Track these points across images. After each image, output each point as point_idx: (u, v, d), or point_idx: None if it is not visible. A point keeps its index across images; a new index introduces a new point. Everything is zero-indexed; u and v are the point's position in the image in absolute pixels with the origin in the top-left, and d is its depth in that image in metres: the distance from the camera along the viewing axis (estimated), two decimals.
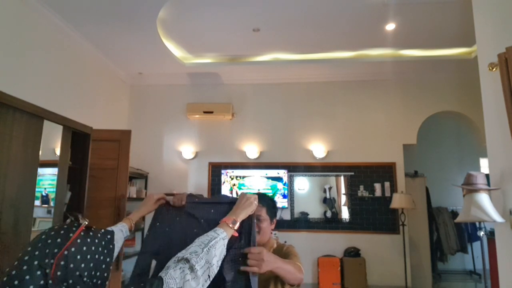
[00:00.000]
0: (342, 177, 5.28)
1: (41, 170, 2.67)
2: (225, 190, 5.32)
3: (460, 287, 5.53)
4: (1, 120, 2.30)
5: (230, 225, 1.14)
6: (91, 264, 0.87)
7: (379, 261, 4.96)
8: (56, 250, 0.83)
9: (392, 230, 5.05)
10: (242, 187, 5.33)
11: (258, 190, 5.25)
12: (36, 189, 2.62)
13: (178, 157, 5.59)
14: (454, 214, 5.69)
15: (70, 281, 0.83)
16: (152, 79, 5.72)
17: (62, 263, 0.83)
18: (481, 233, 2.68)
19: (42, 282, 0.80)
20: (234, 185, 5.35)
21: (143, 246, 1.33)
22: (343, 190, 5.26)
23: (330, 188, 5.26)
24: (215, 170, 5.49)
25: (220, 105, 5.51)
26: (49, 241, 0.85)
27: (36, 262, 0.82)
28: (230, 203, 1.28)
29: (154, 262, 1.29)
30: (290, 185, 5.32)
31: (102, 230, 0.97)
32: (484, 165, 5.89)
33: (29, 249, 0.85)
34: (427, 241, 5.23)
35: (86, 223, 0.92)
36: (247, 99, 5.64)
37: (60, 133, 2.94)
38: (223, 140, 5.58)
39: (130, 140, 4.10)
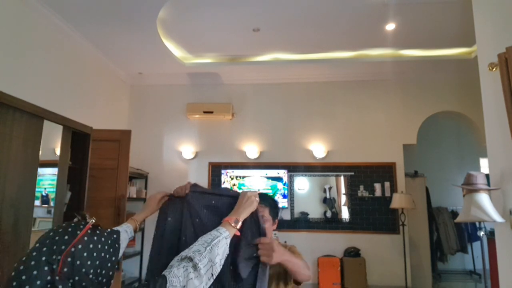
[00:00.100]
0: (342, 177, 5.28)
1: (41, 170, 2.67)
2: None
3: (460, 287, 5.53)
4: (1, 120, 2.30)
5: (233, 224, 1.15)
6: (97, 262, 0.89)
7: (379, 261, 4.96)
8: (63, 247, 0.85)
9: (392, 230, 5.05)
10: (242, 187, 5.33)
11: (258, 190, 5.25)
12: (36, 189, 2.63)
13: (178, 157, 5.59)
14: (454, 214, 5.69)
15: (76, 278, 0.84)
16: (152, 79, 5.72)
17: (69, 259, 0.84)
18: (481, 233, 2.68)
19: (49, 277, 0.82)
20: (234, 185, 5.35)
21: (153, 243, 1.33)
22: (343, 190, 5.26)
23: (330, 188, 5.26)
24: (215, 170, 5.49)
25: (220, 105, 5.52)
26: (57, 238, 0.87)
27: (43, 258, 0.83)
28: (232, 197, 1.29)
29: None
30: (290, 185, 5.32)
31: (109, 230, 0.99)
32: (484, 165, 5.89)
33: (37, 245, 0.86)
34: (427, 241, 5.23)
35: (93, 221, 0.94)
36: (247, 99, 5.64)
37: (60, 133, 2.94)
38: (223, 140, 5.58)
39: (130, 140, 4.10)
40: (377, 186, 5.11)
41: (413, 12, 3.79)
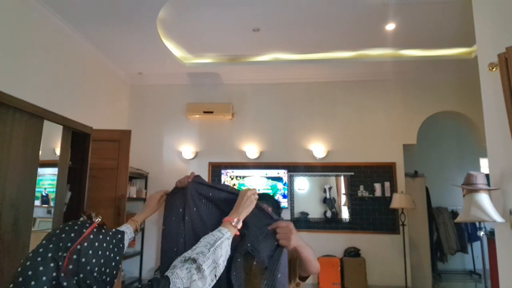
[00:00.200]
0: (342, 177, 5.28)
1: (41, 170, 2.67)
2: None
3: (460, 287, 5.53)
4: (1, 120, 2.30)
5: (233, 224, 1.15)
6: (102, 260, 0.90)
7: (379, 261, 4.96)
8: (69, 244, 0.86)
9: (392, 230, 5.05)
10: (242, 187, 5.33)
11: (258, 190, 5.25)
12: (36, 189, 2.63)
13: (178, 157, 5.59)
14: (454, 214, 5.69)
15: (81, 275, 0.85)
16: (152, 79, 5.72)
17: (74, 257, 0.85)
18: (481, 233, 2.68)
19: (54, 274, 0.83)
20: (234, 185, 5.35)
21: (163, 239, 1.34)
22: (343, 190, 5.26)
23: (330, 188, 5.26)
24: (215, 170, 5.49)
25: (220, 105, 5.52)
26: (63, 235, 0.88)
27: (50, 255, 0.84)
28: (231, 193, 1.30)
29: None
30: (290, 185, 5.32)
31: (114, 229, 1.00)
32: (484, 165, 5.89)
33: (44, 242, 0.88)
34: (427, 241, 5.23)
35: (100, 220, 0.95)
36: (247, 99, 5.64)
37: (60, 133, 2.94)
38: (223, 140, 5.58)
39: (130, 140, 4.10)
40: (377, 186, 5.11)
41: (413, 12, 3.79)
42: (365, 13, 3.83)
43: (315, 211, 5.22)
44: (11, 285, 0.82)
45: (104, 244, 0.92)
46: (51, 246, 0.86)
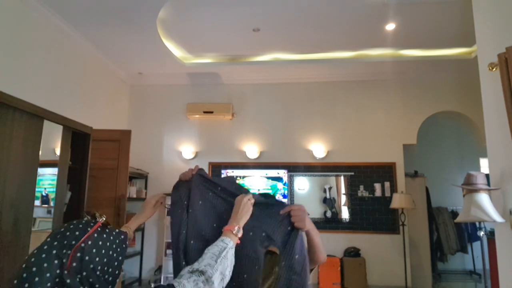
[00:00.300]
0: (342, 177, 5.28)
1: (41, 170, 2.67)
2: None
3: (460, 287, 5.53)
4: (1, 120, 2.30)
5: (234, 232, 1.15)
6: (105, 260, 0.91)
7: (379, 261, 4.96)
8: (73, 242, 0.87)
9: (392, 230, 5.05)
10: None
11: (259, 190, 5.25)
12: (36, 189, 2.63)
13: (178, 157, 5.59)
14: (454, 214, 5.69)
15: (84, 274, 0.86)
16: (152, 79, 5.72)
17: (78, 255, 0.86)
18: (481, 233, 2.68)
19: (58, 271, 0.84)
20: None
21: (171, 231, 1.34)
22: (343, 190, 5.26)
23: (330, 188, 5.26)
24: (215, 170, 5.49)
25: (220, 105, 5.52)
26: (68, 233, 0.89)
27: (54, 252, 0.85)
28: (232, 194, 1.31)
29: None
30: (290, 185, 5.32)
31: (117, 230, 1.01)
32: (484, 165, 5.89)
33: (49, 239, 0.89)
34: (427, 241, 5.23)
35: (104, 219, 0.97)
36: (247, 99, 5.64)
37: (60, 133, 2.94)
38: (223, 140, 5.58)
39: (130, 140, 4.10)
40: (377, 186, 5.12)
41: (413, 12, 3.79)
42: (365, 13, 3.83)
43: (315, 211, 5.22)
44: (15, 281, 0.82)
45: (108, 244, 0.93)
46: (55, 243, 0.87)
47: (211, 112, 5.47)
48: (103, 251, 0.91)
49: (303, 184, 5.33)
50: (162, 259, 5.15)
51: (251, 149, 5.45)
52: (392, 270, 4.90)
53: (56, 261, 0.84)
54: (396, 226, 5.03)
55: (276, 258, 1.31)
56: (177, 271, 1.25)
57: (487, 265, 2.91)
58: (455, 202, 5.77)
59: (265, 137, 5.50)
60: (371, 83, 5.43)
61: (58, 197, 2.91)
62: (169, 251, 5.12)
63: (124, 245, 0.99)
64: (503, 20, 2.42)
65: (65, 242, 0.87)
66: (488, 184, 2.37)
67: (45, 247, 0.86)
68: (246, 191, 1.32)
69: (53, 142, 2.93)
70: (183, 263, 1.25)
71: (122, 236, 1.00)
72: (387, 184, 5.13)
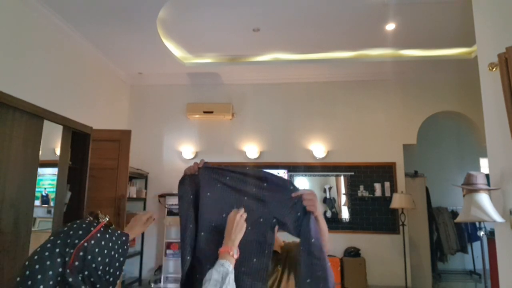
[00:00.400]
0: (342, 177, 5.28)
1: (41, 170, 2.67)
2: None
3: (460, 287, 5.53)
4: (1, 120, 2.30)
5: (231, 253, 1.14)
6: (106, 260, 0.91)
7: (379, 261, 4.96)
8: (76, 241, 0.88)
9: (392, 230, 5.05)
10: None
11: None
12: (36, 189, 2.63)
13: (178, 157, 5.59)
14: (454, 214, 5.69)
15: (86, 273, 0.87)
16: (152, 79, 5.72)
17: (80, 254, 0.87)
18: (481, 233, 2.68)
19: (60, 269, 0.84)
20: None
21: (181, 230, 1.34)
22: (343, 190, 5.26)
23: (330, 188, 5.26)
24: None
25: (220, 105, 5.52)
26: (71, 232, 0.90)
27: (57, 250, 0.86)
28: (245, 174, 1.32)
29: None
30: None
31: (119, 231, 1.01)
32: (484, 165, 5.88)
33: (52, 238, 0.89)
34: (427, 241, 5.23)
35: (107, 219, 0.97)
36: (247, 99, 5.64)
37: (60, 133, 2.94)
38: (223, 140, 5.58)
39: (130, 140, 4.10)
40: (377, 186, 5.11)
41: (413, 12, 3.79)
42: (365, 13, 3.83)
43: None
44: (18, 278, 0.83)
45: (110, 244, 0.93)
46: (59, 242, 0.87)
47: (211, 112, 5.47)
48: (105, 251, 0.91)
49: (303, 184, 5.33)
50: (162, 259, 5.15)
51: (251, 149, 5.45)
52: (392, 270, 4.90)
53: (58, 259, 0.85)
54: (396, 226, 5.03)
55: (278, 256, 1.33)
56: (184, 265, 1.26)
57: (487, 265, 2.91)
58: (455, 202, 5.77)
59: (265, 137, 5.50)
60: (371, 83, 5.43)
61: (58, 197, 2.91)
62: (169, 251, 5.12)
63: (125, 246, 1.00)
64: (503, 20, 2.42)
65: (69, 241, 0.87)
66: (488, 184, 2.37)
67: (48, 245, 0.87)
68: (259, 171, 1.33)
69: (53, 142, 2.93)
70: (188, 258, 1.25)
71: (124, 238, 1.00)
72: (387, 184, 5.13)
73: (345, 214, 5.19)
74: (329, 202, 5.21)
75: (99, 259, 0.89)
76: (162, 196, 5.34)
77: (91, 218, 0.96)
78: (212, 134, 5.62)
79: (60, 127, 2.94)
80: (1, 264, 2.23)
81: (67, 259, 0.85)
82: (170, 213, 5.17)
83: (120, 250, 0.96)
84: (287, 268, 1.40)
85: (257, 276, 1.21)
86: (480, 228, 2.75)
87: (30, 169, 2.57)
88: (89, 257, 0.87)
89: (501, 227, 2.31)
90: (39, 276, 0.81)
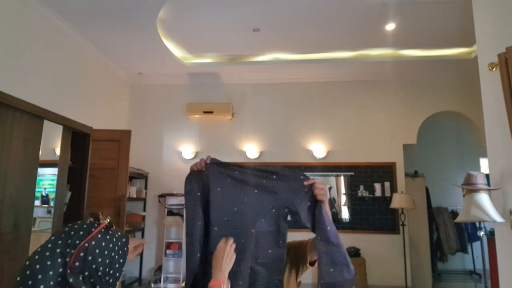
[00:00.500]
0: (342, 177, 5.28)
1: (41, 170, 2.67)
2: None
3: (460, 287, 5.53)
4: (1, 120, 2.30)
5: (223, 287, 1.11)
6: (107, 261, 0.91)
7: (379, 261, 4.96)
8: (77, 242, 0.88)
9: (392, 230, 5.05)
10: None
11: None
12: (36, 189, 2.63)
13: (178, 157, 5.59)
14: (454, 214, 5.68)
15: (86, 273, 0.87)
16: (152, 79, 5.72)
17: (81, 254, 0.87)
18: (481, 233, 2.68)
19: (61, 270, 0.84)
20: None
21: (187, 227, 1.33)
22: (343, 190, 5.26)
23: (330, 188, 5.26)
24: None
25: (220, 105, 5.52)
26: (72, 232, 0.90)
27: (58, 250, 0.86)
28: (255, 169, 1.32)
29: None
30: None
31: (119, 233, 1.01)
32: (484, 165, 5.88)
33: (53, 238, 0.89)
34: (427, 241, 5.23)
35: (108, 220, 0.97)
36: (247, 99, 5.64)
37: (60, 133, 2.94)
38: (223, 140, 5.58)
39: (130, 140, 4.10)
40: (377, 186, 5.11)
41: (413, 12, 3.79)
42: (365, 13, 3.83)
43: None
44: (19, 278, 0.83)
45: (110, 245, 0.94)
46: (60, 242, 0.87)
47: (211, 112, 5.47)
48: (106, 252, 0.91)
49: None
50: (162, 259, 5.15)
51: (251, 149, 5.45)
52: (392, 270, 4.90)
53: (59, 260, 0.85)
54: (396, 226, 5.03)
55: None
56: (190, 263, 1.24)
57: (487, 265, 2.91)
58: (455, 202, 5.77)
59: (265, 137, 5.50)
60: (371, 83, 5.43)
61: (58, 197, 2.91)
62: (169, 251, 5.12)
63: (125, 248, 1.00)
64: (503, 20, 2.42)
65: (69, 241, 0.87)
66: (488, 184, 2.37)
67: (49, 245, 0.87)
68: (267, 167, 1.33)
69: (53, 142, 2.93)
70: (198, 255, 1.25)
71: (124, 239, 1.00)
72: (387, 184, 5.13)
73: (345, 214, 5.19)
74: (329, 202, 5.20)
75: (100, 260, 0.89)
76: (162, 196, 5.34)
77: (92, 219, 0.96)
78: (212, 134, 5.62)
79: (60, 127, 2.94)
80: (1, 264, 2.23)
81: (67, 259, 0.85)
82: (170, 213, 5.17)
83: (120, 252, 0.96)
84: (288, 263, 1.40)
85: (273, 267, 1.22)
86: (480, 228, 2.75)
87: (30, 169, 2.57)
88: (90, 258, 0.87)
89: (501, 227, 2.31)
90: (39, 276, 0.82)
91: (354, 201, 5.18)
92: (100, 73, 4.95)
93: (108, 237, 0.94)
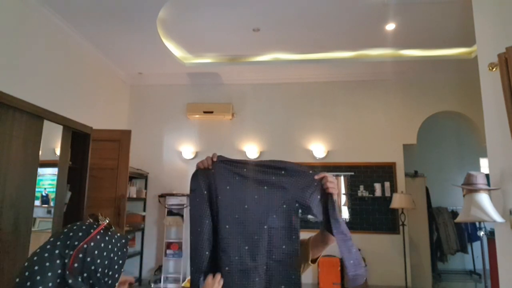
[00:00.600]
0: (342, 177, 5.28)
1: (41, 170, 2.67)
2: None
3: (460, 287, 5.53)
4: (1, 120, 2.30)
5: None
6: (106, 262, 0.91)
7: (379, 261, 4.96)
8: (76, 243, 0.88)
9: (392, 230, 5.05)
10: None
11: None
12: (36, 189, 2.63)
13: (178, 157, 5.59)
14: (454, 214, 5.69)
15: (85, 275, 0.86)
16: (152, 79, 5.72)
17: (80, 255, 0.86)
18: (481, 233, 2.68)
19: (60, 271, 0.84)
20: None
21: (192, 225, 1.32)
22: (343, 190, 5.26)
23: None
24: None
25: (220, 105, 5.52)
26: (71, 234, 0.89)
27: (57, 251, 0.86)
28: (262, 165, 1.33)
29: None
30: None
31: (118, 234, 1.01)
32: (484, 165, 5.89)
33: (52, 239, 0.89)
34: (427, 241, 5.23)
35: (107, 221, 0.97)
36: (247, 99, 5.64)
37: (60, 133, 2.94)
38: (223, 140, 5.58)
39: (130, 140, 4.10)
40: (377, 186, 5.11)
41: (413, 12, 3.79)
42: (365, 13, 3.83)
43: None
44: (17, 279, 0.83)
45: (110, 246, 0.93)
46: (58, 243, 0.87)
47: (211, 112, 5.47)
48: (105, 253, 0.91)
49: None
50: (162, 259, 5.15)
51: (251, 149, 5.45)
52: (392, 270, 4.90)
53: (58, 261, 0.84)
54: (396, 226, 5.03)
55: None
56: (198, 262, 1.23)
57: (487, 265, 2.91)
58: (455, 202, 5.77)
59: (265, 137, 5.50)
60: (371, 83, 5.43)
61: (58, 197, 2.91)
62: (169, 251, 5.12)
63: (125, 249, 0.99)
64: (503, 20, 2.42)
65: (68, 242, 0.87)
66: (488, 184, 2.37)
67: (48, 246, 0.87)
68: (275, 161, 1.33)
69: (53, 142, 2.92)
70: (207, 253, 1.24)
71: (123, 240, 1.00)
72: (387, 184, 5.13)
73: (345, 214, 5.19)
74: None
75: (99, 261, 0.89)
76: (162, 196, 5.34)
77: (91, 220, 0.96)
78: (212, 134, 5.62)
79: (60, 127, 2.93)
80: (1, 264, 2.23)
81: (66, 260, 0.85)
82: (170, 213, 5.17)
83: (119, 253, 0.96)
84: None
85: (289, 263, 1.23)
86: (480, 228, 2.75)
87: (30, 169, 2.57)
88: (89, 259, 0.87)
89: (501, 227, 2.31)
90: (38, 277, 0.81)
91: (354, 201, 5.18)
92: (100, 73, 4.95)
93: (107, 238, 0.93)
